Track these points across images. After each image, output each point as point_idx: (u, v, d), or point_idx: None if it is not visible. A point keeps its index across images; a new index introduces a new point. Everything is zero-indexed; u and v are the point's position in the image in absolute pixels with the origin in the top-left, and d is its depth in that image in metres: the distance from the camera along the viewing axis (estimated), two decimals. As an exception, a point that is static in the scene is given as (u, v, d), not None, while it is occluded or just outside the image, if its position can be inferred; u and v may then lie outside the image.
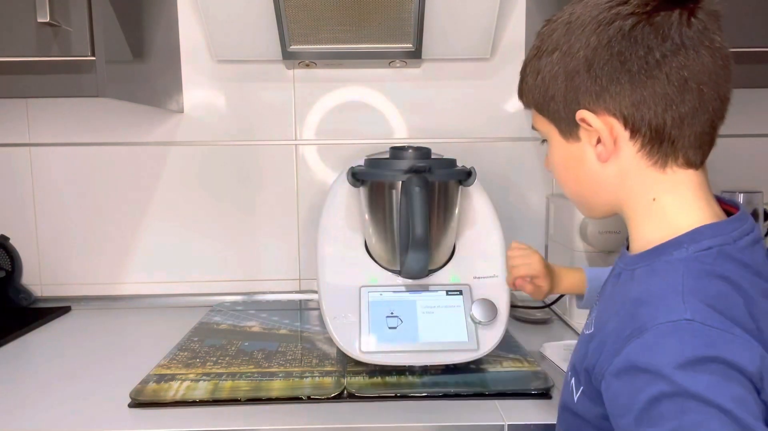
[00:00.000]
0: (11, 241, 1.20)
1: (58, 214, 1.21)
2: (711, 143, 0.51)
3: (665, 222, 0.50)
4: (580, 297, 0.81)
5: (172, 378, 0.80)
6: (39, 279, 1.22)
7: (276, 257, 1.24)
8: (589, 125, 0.51)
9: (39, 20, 0.79)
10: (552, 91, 0.53)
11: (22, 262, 1.21)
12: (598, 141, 0.51)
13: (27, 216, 1.21)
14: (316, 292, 1.16)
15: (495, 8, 1.08)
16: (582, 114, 0.51)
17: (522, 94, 0.59)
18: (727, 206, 0.53)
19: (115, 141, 1.20)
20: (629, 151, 0.50)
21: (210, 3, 1.06)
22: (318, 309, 1.08)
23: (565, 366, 0.84)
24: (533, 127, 0.60)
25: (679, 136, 0.49)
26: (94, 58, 0.83)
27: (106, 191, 1.21)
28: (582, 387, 0.51)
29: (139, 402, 0.74)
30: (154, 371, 0.83)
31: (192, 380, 0.79)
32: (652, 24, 0.47)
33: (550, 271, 0.80)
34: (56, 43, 0.82)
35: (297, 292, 1.24)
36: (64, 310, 1.17)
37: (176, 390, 0.77)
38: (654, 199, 0.51)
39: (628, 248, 0.56)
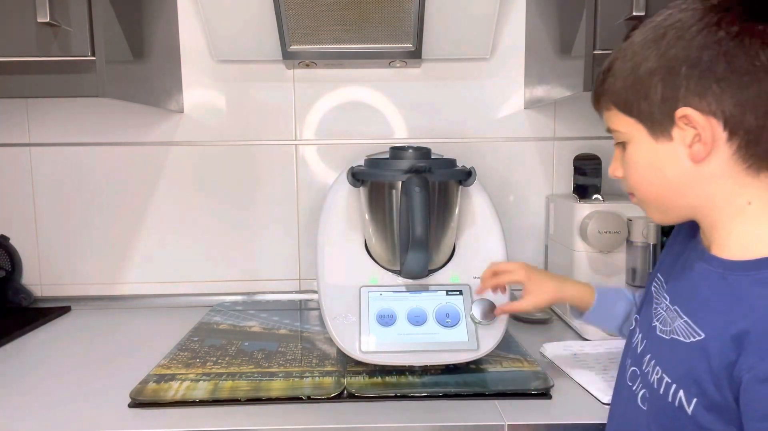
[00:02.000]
0: (11, 241, 1.20)
1: (58, 214, 1.21)
2: None
3: (766, 226, 0.51)
4: (576, 310, 0.81)
5: (172, 378, 0.80)
6: (39, 279, 1.22)
7: (276, 257, 1.23)
8: (690, 123, 0.51)
9: (39, 20, 0.79)
10: (646, 90, 0.53)
11: (22, 262, 1.21)
12: (694, 141, 0.51)
13: (27, 216, 1.21)
14: (316, 292, 1.16)
15: (495, 8, 1.08)
16: (685, 111, 0.51)
17: (602, 95, 0.58)
18: None
19: (115, 141, 1.20)
20: (725, 153, 0.51)
21: (210, 3, 1.06)
22: (318, 309, 1.08)
23: (564, 366, 0.84)
24: (608, 129, 0.59)
25: None
26: (94, 58, 0.83)
27: (106, 191, 1.21)
28: (696, 399, 0.50)
29: (139, 402, 0.74)
30: (154, 371, 0.83)
31: (192, 380, 0.79)
32: (756, 33, 0.49)
33: (546, 277, 0.80)
34: (56, 43, 0.82)
35: (297, 292, 1.24)
36: (64, 310, 1.17)
37: (176, 390, 0.76)
38: (749, 203, 0.52)
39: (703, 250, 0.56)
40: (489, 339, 0.81)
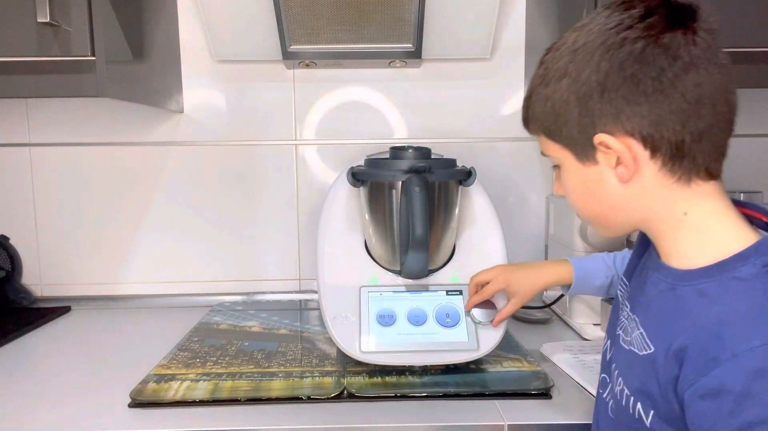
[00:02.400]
0: (11, 241, 1.20)
1: (58, 214, 1.21)
2: (725, 153, 0.51)
3: (705, 235, 0.51)
4: (566, 286, 0.83)
5: (172, 378, 0.80)
6: (39, 279, 1.22)
7: (276, 257, 1.24)
8: (608, 148, 0.51)
9: (39, 20, 0.79)
10: (564, 117, 0.53)
11: (22, 262, 1.21)
12: (618, 163, 0.51)
13: (27, 216, 1.21)
14: (316, 292, 1.16)
15: (495, 8, 1.08)
16: (600, 137, 0.51)
17: (528, 122, 0.58)
18: (741, 208, 0.54)
19: (115, 141, 1.20)
20: (651, 169, 0.51)
21: (210, 3, 1.06)
22: (318, 309, 1.08)
23: (565, 365, 0.84)
24: (543, 154, 0.59)
25: (699, 150, 0.49)
26: (94, 58, 0.83)
27: (106, 191, 1.21)
28: (653, 411, 0.50)
29: (139, 402, 0.74)
30: (154, 371, 0.83)
31: (192, 380, 0.79)
32: (661, 45, 0.48)
33: (523, 274, 0.81)
34: (56, 43, 0.82)
35: (297, 292, 1.24)
36: (64, 310, 1.17)
37: (176, 390, 0.76)
38: (685, 213, 0.51)
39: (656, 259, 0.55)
40: (489, 339, 0.81)
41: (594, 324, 1.02)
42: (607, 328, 0.65)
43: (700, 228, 0.51)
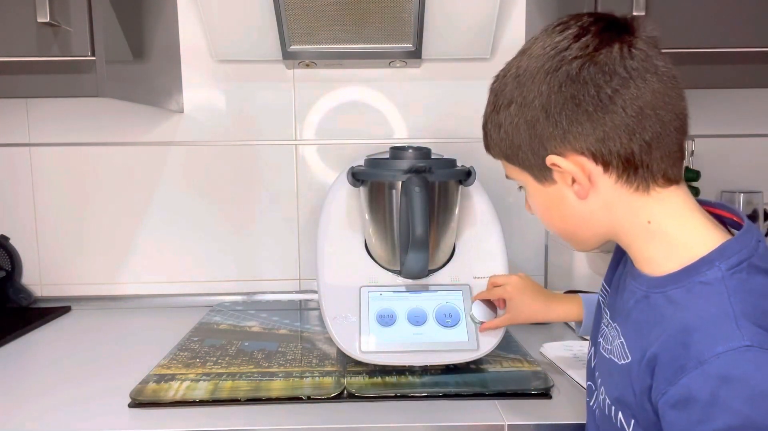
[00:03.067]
0: (11, 241, 1.20)
1: (58, 214, 1.21)
2: (682, 157, 0.52)
3: (671, 241, 0.51)
4: (578, 324, 0.80)
5: (172, 378, 0.80)
6: (39, 279, 1.22)
7: (276, 257, 1.23)
8: (560, 168, 0.51)
9: (39, 20, 0.79)
10: (517, 141, 0.54)
11: (22, 262, 1.21)
12: (573, 181, 0.52)
13: (27, 216, 1.21)
14: (316, 292, 1.16)
15: (495, 8, 1.08)
16: (551, 159, 0.52)
17: (489, 148, 0.59)
18: (710, 209, 0.54)
19: (115, 141, 1.20)
20: (607, 183, 0.51)
21: (210, 3, 1.06)
22: (318, 309, 1.08)
23: (564, 366, 0.84)
24: (507, 177, 0.60)
25: (651, 160, 0.49)
26: (94, 58, 0.83)
27: (107, 191, 1.21)
28: (633, 420, 0.50)
29: (139, 402, 0.74)
30: (154, 371, 0.83)
31: (192, 380, 0.79)
32: (596, 63, 0.48)
33: (530, 298, 0.79)
34: (56, 43, 0.82)
35: (297, 292, 1.24)
36: (64, 310, 1.17)
37: (176, 390, 0.76)
38: (649, 222, 0.51)
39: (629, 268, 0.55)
40: (489, 339, 0.81)
41: (594, 325, 1.02)
42: (591, 335, 0.65)
43: (665, 234, 0.51)
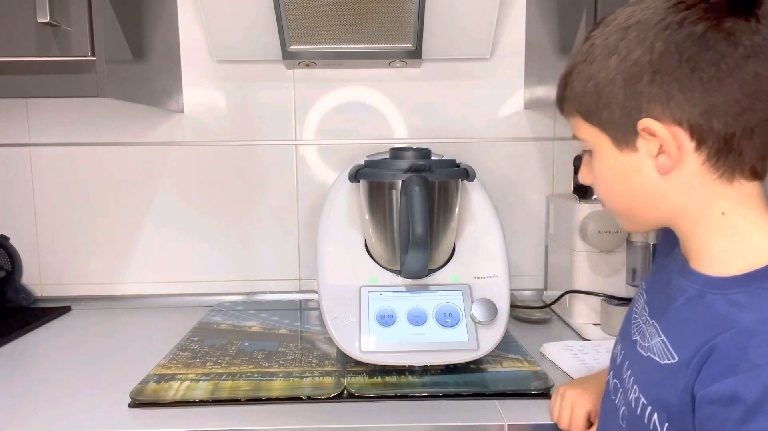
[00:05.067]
0: (11, 241, 1.20)
1: (58, 214, 1.21)
2: None
3: (741, 239, 0.48)
4: None
5: (172, 378, 0.80)
6: (39, 279, 1.22)
7: (276, 257, 1.23)
8: (653, 134, 0.48)
9: (39, 20, 0.79)
10: (608, 98, 0.49)
11: (23, 262, 1.21)
12: (660, 151, 0.48)
13: (27, 216, 1.21)
14: (316, 292, 1.16)
15: (495, 8, 1.08)
16: (646, 123, 0.48)
17: (564, 101, 0.55)
18: None
19: (115, 141, 1.20)
20: (694, 162, 0.48)
21: (210, 3, 1.06)
22: (318, 309, 1.08)
23: (565, 366, 0.84)
24: (575, 136, 0.56)
25: (747, 146, 0.46)
26: (94, 58, 0.83)
27: (107, 191, 1.21)
28: (668, 423, 0.48)
29: (139, 402, 0.74)
30: (154, 371, 0.83)
31: (192, 380, 0.79)
32: (722, 30, 0.45)
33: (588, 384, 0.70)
34: (56, 43, 0.82)
35: (297, 292, 1.24)
36: (64, 310, 1.17)
37: (176, 390, 0.76)
38: (723, 213, 0.48)
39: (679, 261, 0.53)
40: (489, 339, 0.81)
41: (594, 325, 1.02)
42: (620, 331, 0.62)
43: (737, 232, 0.48)
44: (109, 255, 1.22)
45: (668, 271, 0.55)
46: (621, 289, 1.00)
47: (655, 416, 0.49)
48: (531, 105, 1.20)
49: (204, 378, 0.80)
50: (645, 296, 0.59)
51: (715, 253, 0.49)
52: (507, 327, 0.84)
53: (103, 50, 0.83)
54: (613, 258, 1.01)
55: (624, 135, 0.50)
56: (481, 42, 1.14)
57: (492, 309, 0.82)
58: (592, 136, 0.53)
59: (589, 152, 0.55)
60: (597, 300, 1.01)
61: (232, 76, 1.20)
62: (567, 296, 1.05)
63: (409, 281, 0.85)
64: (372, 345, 0.79)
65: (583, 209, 1.01)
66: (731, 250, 0.48)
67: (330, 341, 0.84)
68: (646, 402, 0.51)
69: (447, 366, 0.82)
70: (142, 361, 0.87)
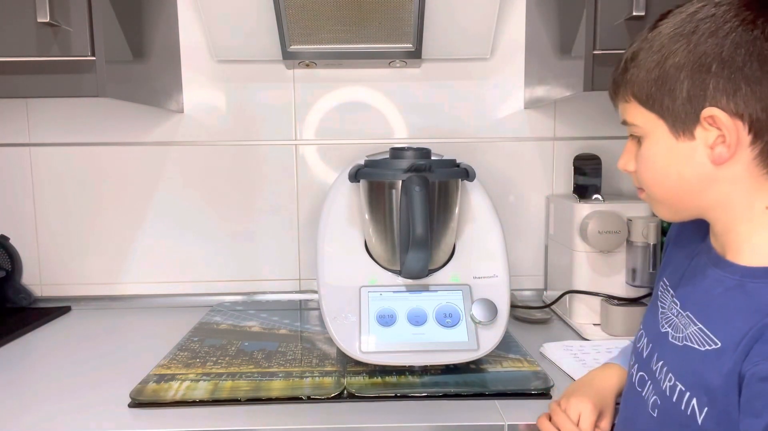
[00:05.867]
0: (11, 241, 1.20)
1: (58, 214, 1.21)
2: None
3: None
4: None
5: (172, 378, 0.80)
6: (39, 279, 1.22)
7: (276, 257, 1.24)
8: (715, 124, 0.49)
9: (39, 20, 0.79)
10: (672, 84, 0.51)
11: (23, 262, 1.21)
12: (716, 142, 0.50)
13: (27, 216, 1.21)
14: (316, 292, 1.16)
15: (495, 8, 1.08)
16: (711, 111, 0.49)
17: (620, 85, 0.56)
18: None
19: (115, 141, 1.20)
20: (746, 156, 0.50)
21: (210, 3, 1.06)
22: (318, 309, 1.08)
23: (565, 366, 0.84)
24: (624, 122, 0.57)
25: None
26: (94, 58, 0.83)
27: (106, 191, 1.21)
28: (707, 408, 0.49)
29: (139, 402, 0.74)
30: (154, 371, 0.83)
31: (192, 380, 0.80)
32: None
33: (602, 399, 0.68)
34: (56, 43, 0.82)
35: (297, 292, 1.24)
36: (64, 310, 1.17)
37: (176, 390, 0.77)
38: (767, 208, 0.51)
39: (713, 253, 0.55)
40: (489, 339, 0.81)
41: (594, 325, 1.02)
42: (644, 326, 0.63)
43: None
44: (108, 255, 1.22)
45: (700, 265, 0.57)
46: (621, 289, 1.01)
47: (694, 401, 0.51)
48: (531, 105, 1.20)
49: (204, 378, 0.80)
50: (672, 291, 0.60)
51: (756, 246, 0.51)
52: (507, 327, 0.84)
53: (103, 50, 0.83)
54: (613, 258, 1.01)
55: (683, 123, 0.51)
56: (481, 42, 1.14)
57: (492, 309, 0.82)
58: (647, 121, 0.54)
59: (635, 139, 0.57)
60: (597, 300, 1.01)
61: (232, 76, 1.20)
62: (567, 296, 1.05)
63: (409, 281, 0.86)
64: (372, 346, 0.80)
65: (583, 209, 1.01)
66: None
67: (330, 341, 0.85)
68: (684, 389, 0.52)
69: (447, 366, 0.82)
70: (142, 361, 0.87)
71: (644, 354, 0.61)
